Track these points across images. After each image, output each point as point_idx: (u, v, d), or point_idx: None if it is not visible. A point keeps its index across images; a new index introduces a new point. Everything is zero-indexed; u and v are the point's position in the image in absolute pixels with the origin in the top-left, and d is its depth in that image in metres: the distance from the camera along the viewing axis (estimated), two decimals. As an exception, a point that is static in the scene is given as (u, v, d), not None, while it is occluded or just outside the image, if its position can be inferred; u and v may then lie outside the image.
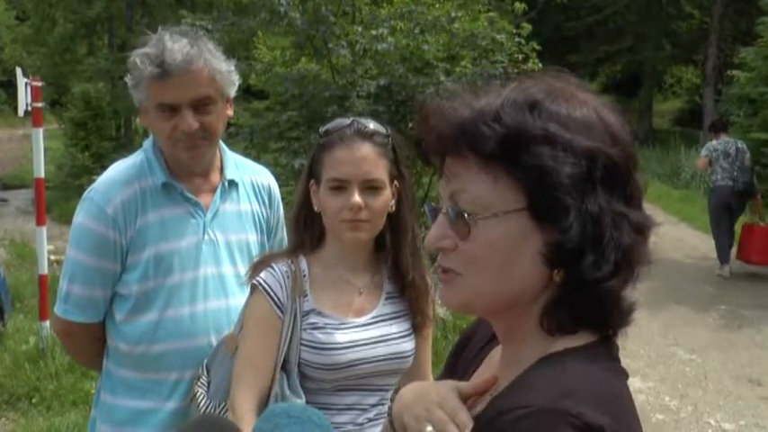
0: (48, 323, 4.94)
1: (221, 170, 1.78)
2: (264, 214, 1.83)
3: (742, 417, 4.64)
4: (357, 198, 1.47)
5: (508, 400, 0.75)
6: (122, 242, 1.66)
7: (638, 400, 5.18)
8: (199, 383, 1.60)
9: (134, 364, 1.71)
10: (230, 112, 1.76)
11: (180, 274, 1.67)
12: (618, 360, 0.82)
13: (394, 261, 1.57)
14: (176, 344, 1.67)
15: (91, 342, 1.77)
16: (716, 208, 7.64)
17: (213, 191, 1.75)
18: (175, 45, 1.60)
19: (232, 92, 1.72)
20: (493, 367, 0.89)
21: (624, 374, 0.81)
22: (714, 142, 7.79)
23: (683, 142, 17.57)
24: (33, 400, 4.41)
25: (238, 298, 1.69)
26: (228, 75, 1.69)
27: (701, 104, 20.67)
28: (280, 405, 0.95)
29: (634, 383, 5.07)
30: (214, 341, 1.67)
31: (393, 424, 0.94)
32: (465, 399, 0.86)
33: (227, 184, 1.76)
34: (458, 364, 1.00)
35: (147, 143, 1.77)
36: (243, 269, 1.70)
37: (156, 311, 1.67)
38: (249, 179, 1.83)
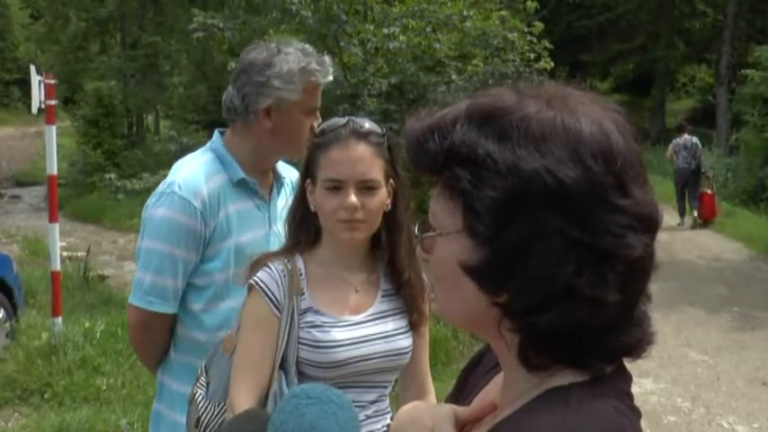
0: (59, 319, 4.97)
1: (273, 168, 1.92)
2: None
3: (756, 419, 4.60)
4: (353, 199, 1.47)
5: (508, 430, 0.73)
6: (206, 234, 1.76)
7: (650, 401, 5.15)
8: (198, 384, 1.60)
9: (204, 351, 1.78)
10: None
11: None
12: (629, 396, 0.75)
13: (390, 259, 1.57)
14: None
15: (163, 334, 1.84)
16: (677, 182, 11.59)
17: (269, 187, 1.90)
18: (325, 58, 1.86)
19: None
20: (495, 391, 0.86)
21: (635, 413, 0.75)
22: (677, 139, 11.69)
23: (696, 142, 17.43)
24: (45, 396, 4.44)
25: None
26: None
27: (714, 104, 20.51)
28: (300, 387, 0.95)
29: (646, 385, 5.04)
30: None
31: None
32: (463, 424, 0.83)
33: (282, 180, 1.92)
34: (468, 381, 0.97)
35: (215, 143, 1.87)
36: None
37: (238, 298, 1.75)
38: (289, 177, 1.96)
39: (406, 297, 1.58)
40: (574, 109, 0.71)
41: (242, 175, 1.81)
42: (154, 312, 1.79)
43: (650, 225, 0.70)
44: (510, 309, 0.71)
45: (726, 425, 4.51)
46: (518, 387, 0.77)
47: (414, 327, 1.59)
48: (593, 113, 0.71)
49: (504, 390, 0.81)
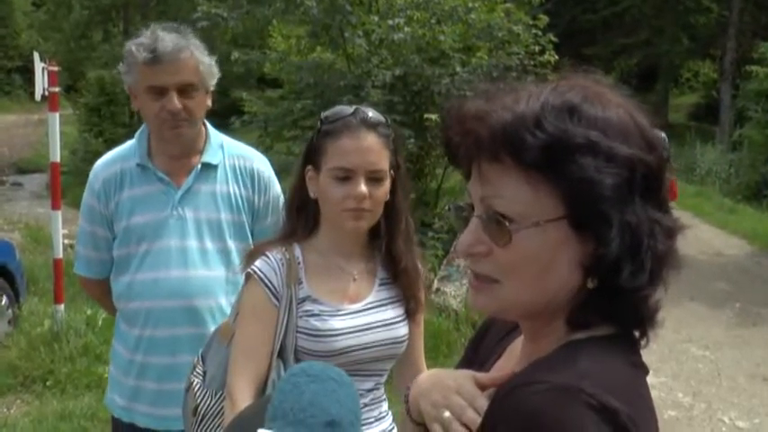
0: (62, 307, 4.97)
1: (202, 154, 1.94)
2: (245, 196, 1.96)
3: (756, 415, 4.60)
4: (363, 188, 1.47)
5: (526, 376, 0.76)
6: (106, 213, 1.94)
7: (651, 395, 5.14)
8: (194, 373, 1.61)
9: (121, 316, 1.99)
10: (209, 103, 1.94)
11: (147, 244, 1.90)
12: (638, 354, 0.82)
13: (387, 248, 1.58)
14: (143, 304, 1.90)
15: (101, 294, 2.07)
16: None
17: (186, 172, 1.92)
18: (167, 36, 1.84)
19: (211, 83, 1.93)
20: (513, 360, 0.89)
21: (643, 369, 0.81)
22: None
23: (699, 137, 17.41)
24: (48, 383, 4.44)
25: (200, 270, 1.88)
26: (210, 67, 1.91)
27: (718, 99, 20.45)
28: (299, 365, 0.96)
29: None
30: (172, 304, 1.87)
31: (410, 411, 0.94)
32: (482, 389, 0.86)
33: (200, 166, 1.92)
34: (478, 351, 1.00)
35: (140, 130, 1.98)
36: (210, 245, 1.89)
37: (130, 274, 1.92)
38: (232, 162, 1.97)
39: (403, 284, 1.59)
40: (624, 104, 0.80)
41: (139, 160, 1.92)
42: (82, 277, 2.08)
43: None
44: (619, 287, 0.76)
45: (727, 420, 4.51)
46: (543, 353, 0.80)
47: (410, 314, 1.61)
48: (635, 108, 0.80)
49: (527, 358, 0.84)
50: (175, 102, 1.82)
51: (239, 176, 1.95)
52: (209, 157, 1.93)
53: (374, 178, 1.49)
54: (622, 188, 0.74)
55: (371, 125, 1.50)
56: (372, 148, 1.49)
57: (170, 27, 1.88)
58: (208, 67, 1.88)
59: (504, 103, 0.77)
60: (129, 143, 1.99)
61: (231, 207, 1.93)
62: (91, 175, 1.97)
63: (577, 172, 0.73)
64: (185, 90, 1.84)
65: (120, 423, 1.98)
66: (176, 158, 1.92)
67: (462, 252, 0.81)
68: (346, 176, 1.48)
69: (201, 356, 1.64)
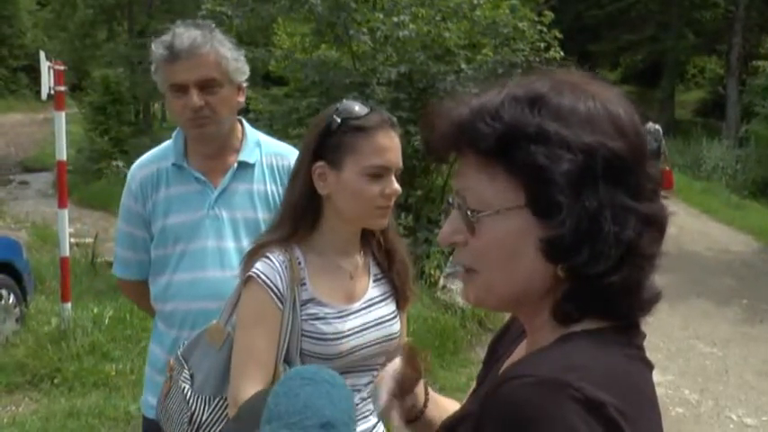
0: (68, 305, 4.99)
1: (239, 152, 1.90)
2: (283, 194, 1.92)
3: (764, 412, 4.58)
4: (397, 186, 1.49)
5: (517, 369, 0.78)
6: (143, 213, 1.91)
7: (658, 393, 5.07)
8: (182, 378, 1.57)
9: (159, 317, 1.96)
10: (241, 99, 1.89)
11: (184, 245, 1.86)
12: (640, 348, 0.82)
13: (384, 242, 1.61)
14: (180, 305, 1.87)
15: (139, 296, 2.05)
16: None
17: (223, 172, 1.88)
18: (185, 32, 1.79)
19: (240, 78, 1.86)
20: (521, 355, 0.90)
21: (644, 363, 0.81)
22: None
23: (705, 133, 17.36)
24: (55, 381, 4.46)
25: (237, 271, 1.77)
26: (236, 62, 1.84)
27: (724, 95, 20.37)
28: (293, 369, 0.98)
29: (653, 376, 5.03)
30: (209, 305, 1.76)
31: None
32: None
33: (236, 165, 1.88)
34: (498, 348, 1.03)
35: (177, 131, 1.94)
36: (248, 245, 1.79)
37: (167, 275, 1.89)
38: (270, 161, 1.92)
39: (398, 274, 1.61)
40: (599, 94, 0.80)
41: (174, 160, 1.89)
42: (119, 279, 2.06)
43: (661, 191, 0.81)
44: (582, 273, 0.76)
45: (735, 417, 4.50)
46: (540, 339, 0.82)
47: (404, 304, 1.62)
48: (615, 97, 0.81)
49: (526, 346, 0.87)
50: (195, 98, 1.77)
51: (277, 175, 1.91)
52: (246, 155, 1.88)
53: (396, 176, 1.52)
54: (578, 174, 0.75)
55: (393, 124, 1.52)
56: (399, 146, 1.52)
57: (191, 23, 1.83)
58: (232, 61, 1.82)
59: (466, 100, 0.82)
60: (166, 143, 1.95)
61: (269, 206, 1.88)
62: (128, 176, 1.95)
63: (528, 159, 0.76)
64: (206, 86, 1.78)
65: (153, 423, 1.89)
66: (212, 158, 1.88)
67: (443, 241, 0.85)
68: (379, 174, 1.48)
69: (182, 357, 1.60)
